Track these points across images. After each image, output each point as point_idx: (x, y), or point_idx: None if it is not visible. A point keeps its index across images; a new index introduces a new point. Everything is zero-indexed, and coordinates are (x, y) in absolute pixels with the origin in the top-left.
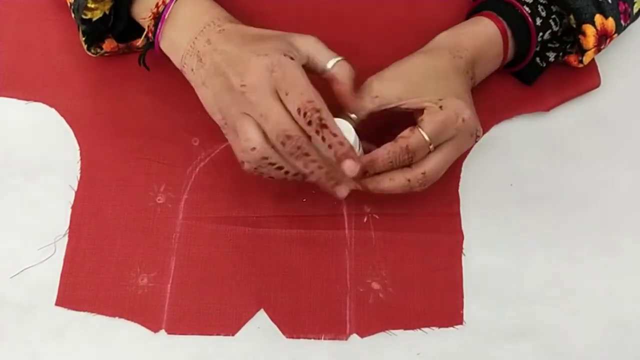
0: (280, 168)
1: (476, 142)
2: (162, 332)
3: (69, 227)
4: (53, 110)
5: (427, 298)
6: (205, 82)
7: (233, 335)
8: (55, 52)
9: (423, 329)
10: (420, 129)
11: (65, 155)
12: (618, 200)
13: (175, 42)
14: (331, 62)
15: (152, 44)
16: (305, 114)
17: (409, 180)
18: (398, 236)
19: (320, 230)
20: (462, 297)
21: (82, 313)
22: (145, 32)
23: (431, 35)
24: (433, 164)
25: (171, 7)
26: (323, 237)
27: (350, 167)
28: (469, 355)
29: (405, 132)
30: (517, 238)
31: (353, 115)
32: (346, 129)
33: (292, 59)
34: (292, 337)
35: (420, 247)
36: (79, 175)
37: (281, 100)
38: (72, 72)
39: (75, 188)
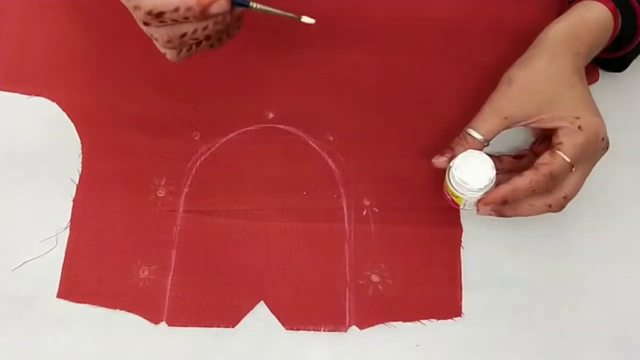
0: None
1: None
2: (163, 324)
3: (70, 220)
4: (54, 104)
5: (426, 290)
6: None
7: (233, 327)
8: (56, 46)
9: (422, 321)
10: (561, 153)
11: (66, 149)
12: (617, 196)
13: None
14: None
15: None
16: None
17: (550, 206)
18: (397, 229)
19: (320, 223)
20: (461, 289)
21: (83, 305)
22: None
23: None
24: (573, 185)
25: None
26: (323, 230)
27: (484, 211)
28: (468, 347)
29: (546, 158)
30: (515, 231)
31: (478, 135)
32: (486, 165)
33: None
34: (292, 329)
35: (419, 240)
36: (80, 169)
37: None
38: (73, 67)
39: (77, 181)
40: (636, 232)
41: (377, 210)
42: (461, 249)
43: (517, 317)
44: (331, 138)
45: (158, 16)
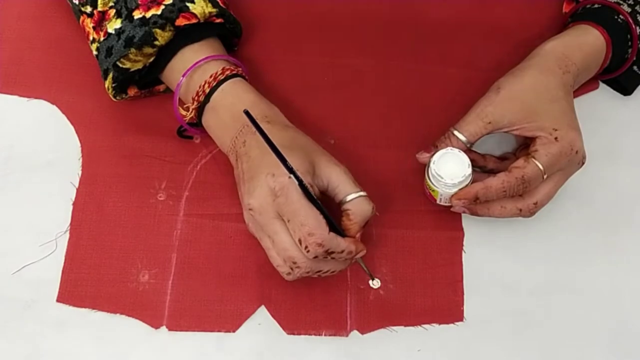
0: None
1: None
2: (163, 328)
3: (70, 224)
4: (54, 107)
5: (428, 295)
6: (237, 184)
7: (234, 331)
8: (56, 49)
9: (424, 325)
10: (535, 160)
11: (66, 152)
12: (618, 198)
13: (221, 139)
14: (350, 196)
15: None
16: (306, 247)
17: (520, 210)
18: (399, 233)
19: None
20: (463, 293)
21: (83, 309)
22: (188, 115)
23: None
24: (544, 194)
25: (212, 98)
26: None
27: (458, 206)
28: (469, 352)
29: (520, 163)
30: (517, 235)
31: (461, 137)
32: (463, 162)
33: (300, 181)
34: (293, 334)
35: (421, 244)
36: (80, 172)
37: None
38: (73, 70)
39: (77, 185)
40: (638, 235)
41: (378, 214)
42: (463, 253)
43: (518, 322)
44: (332, 141)
45: (329, 254)
